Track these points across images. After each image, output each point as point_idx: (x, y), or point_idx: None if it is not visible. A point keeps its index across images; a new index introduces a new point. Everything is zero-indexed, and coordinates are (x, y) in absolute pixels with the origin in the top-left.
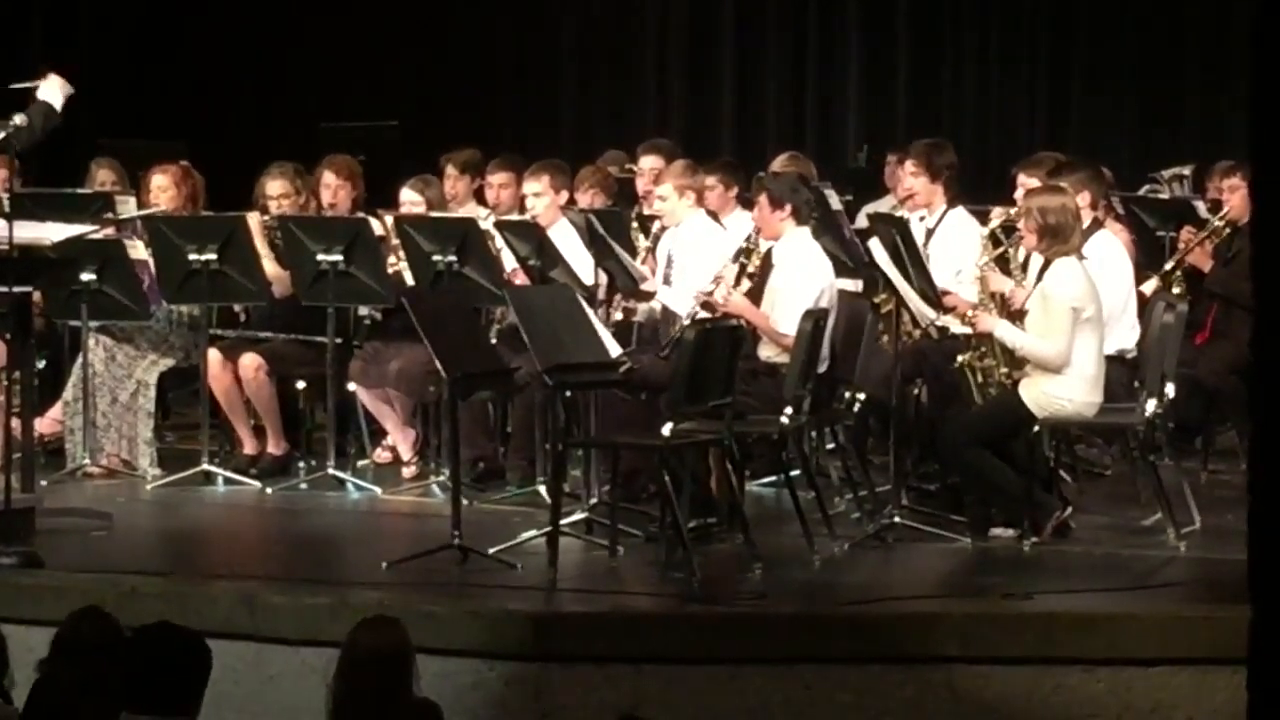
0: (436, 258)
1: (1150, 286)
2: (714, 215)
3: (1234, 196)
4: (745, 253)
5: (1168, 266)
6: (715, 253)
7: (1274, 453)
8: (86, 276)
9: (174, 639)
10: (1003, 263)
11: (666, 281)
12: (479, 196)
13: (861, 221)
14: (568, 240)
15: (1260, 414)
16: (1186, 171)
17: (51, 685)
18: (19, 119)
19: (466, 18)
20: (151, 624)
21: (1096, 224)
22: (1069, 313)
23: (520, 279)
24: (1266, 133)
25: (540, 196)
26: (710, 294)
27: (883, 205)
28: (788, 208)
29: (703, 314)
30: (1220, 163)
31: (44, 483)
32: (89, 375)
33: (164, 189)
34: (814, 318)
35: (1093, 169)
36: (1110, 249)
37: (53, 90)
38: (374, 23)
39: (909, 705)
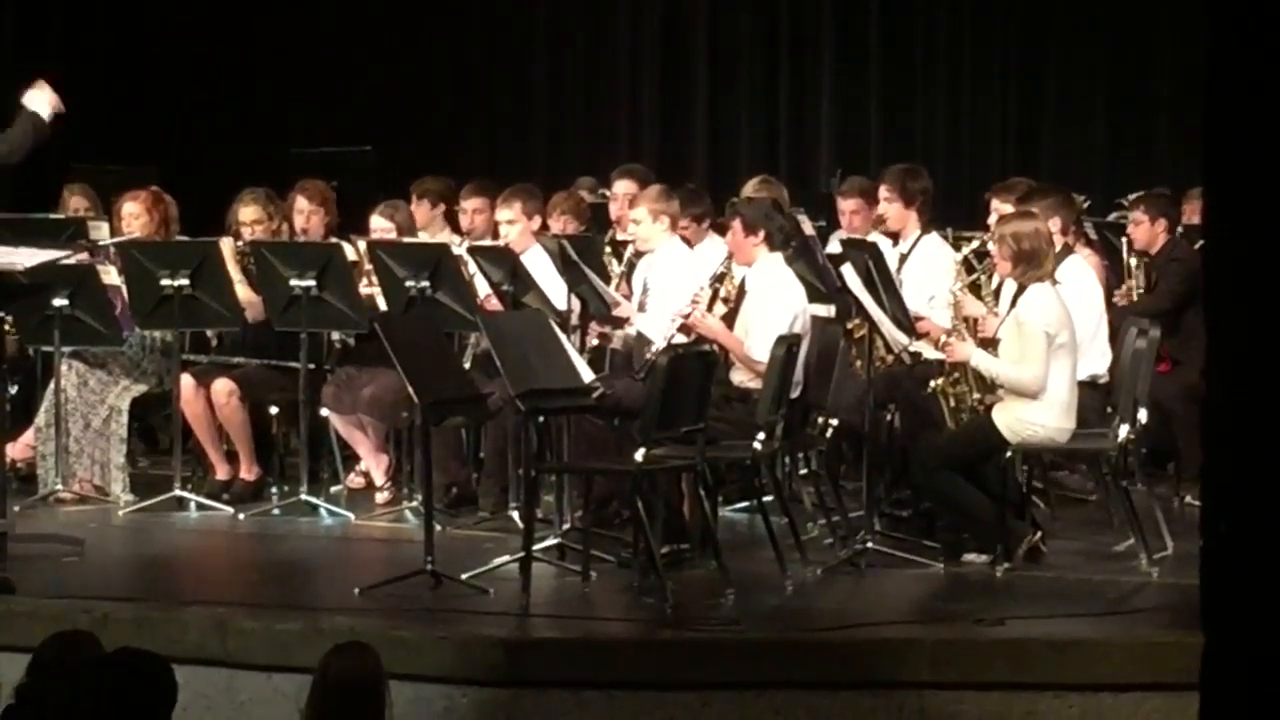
0: (410, 283)
1: None
2: (686, 241)
3: (1136, 230)
4: (719, 277)
5: None
6: (691, 279)
7: (1224, 483)
8: (59, 302)
9: (137, 665)
10: (975, 289)
11: (642, 309)
12: (452, 222)
13: (834, 247)
14: (541, 266)
15: (1212, 444)
16: None
17: (25, 710)
18: None
19: (439, 43)
20: (113, 650)
21: (1067, 249)
22: (1043, 338)
23: (493, 305)
24: (1219, 163)
25: (513, 222)
26: (688, 315)
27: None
28: (761, 233)
29: (678, 337)
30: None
31: (16, 508)
32: (61, 401)
33: (136, 215)
34: (787, 343)
35: (1063, 194)
36: (1081, 274)
37: (40, 100)
38: (346, 48)
39: None
